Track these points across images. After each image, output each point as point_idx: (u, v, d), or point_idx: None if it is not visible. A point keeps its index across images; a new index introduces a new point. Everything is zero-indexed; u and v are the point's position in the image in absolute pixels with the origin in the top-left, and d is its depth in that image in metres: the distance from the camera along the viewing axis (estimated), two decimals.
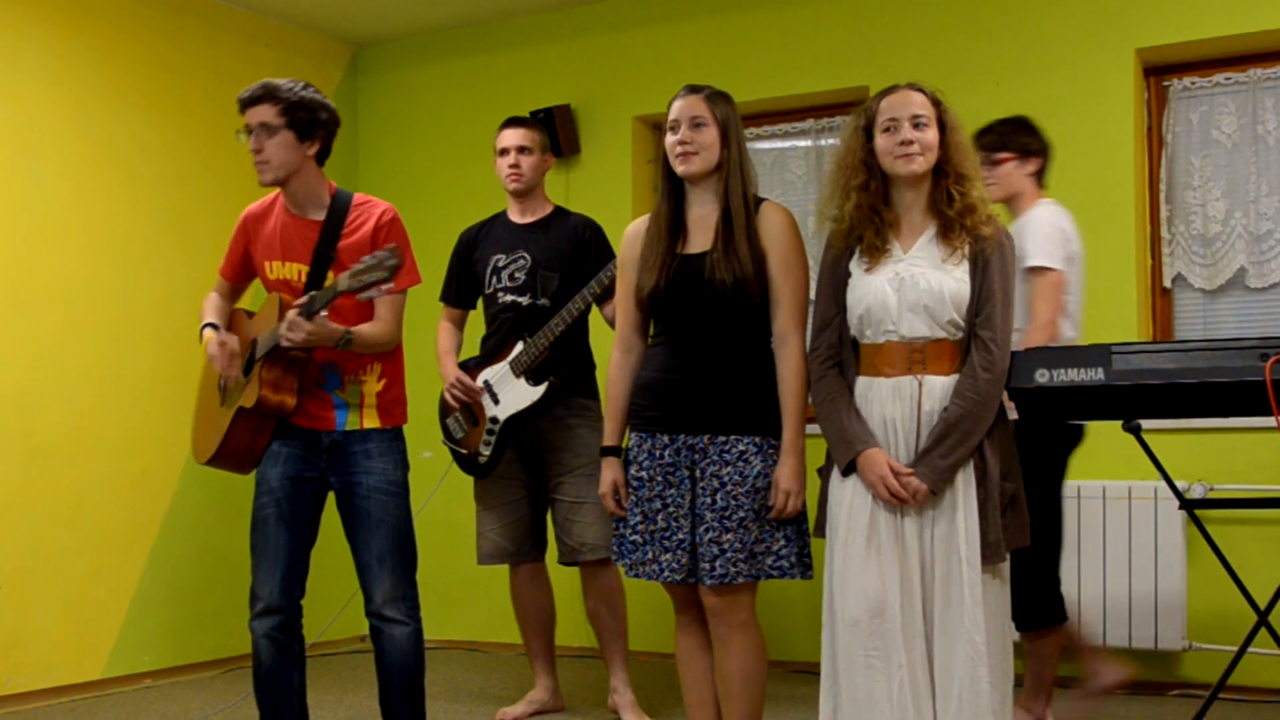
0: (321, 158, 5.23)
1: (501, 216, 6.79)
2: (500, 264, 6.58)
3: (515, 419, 6.41)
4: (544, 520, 6.72)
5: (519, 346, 6.40)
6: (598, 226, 6.61)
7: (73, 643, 7.30)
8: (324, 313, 4.91)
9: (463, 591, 8.19)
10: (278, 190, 5.31)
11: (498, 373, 6.47)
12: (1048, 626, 5.70)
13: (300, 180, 5.17)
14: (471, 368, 6.60)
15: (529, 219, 6.65)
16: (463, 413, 6.60)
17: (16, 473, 7.06)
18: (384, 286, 4.77)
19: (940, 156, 4.61)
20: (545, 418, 6.42)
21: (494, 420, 6.46)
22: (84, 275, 7.20)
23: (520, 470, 6.57)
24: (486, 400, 6.49)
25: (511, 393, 6.41)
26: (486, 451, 6.51)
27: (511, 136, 6.63)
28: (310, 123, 5.11)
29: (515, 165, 6.58)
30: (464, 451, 6.62)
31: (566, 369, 6.45)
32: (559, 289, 6.38)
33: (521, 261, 6.52)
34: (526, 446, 6.52)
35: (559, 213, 6.74)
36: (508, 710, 6.61)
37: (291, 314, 4.85)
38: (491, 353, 6.58)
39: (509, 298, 6.52)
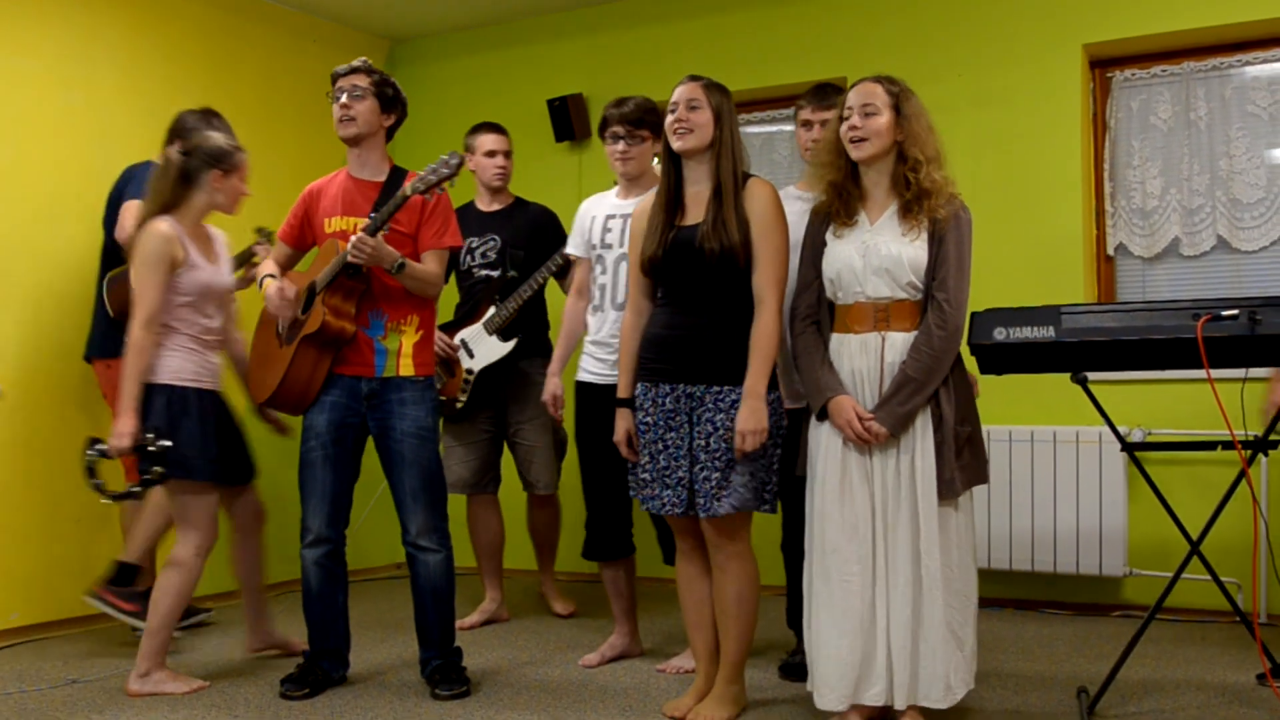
0: (389, 134, 5.59)
1: (470, 206, 7.08)
2: (474, 245, 6.92)
3: (487, 370, 6.76)
4: (500, 460, 7.14)
5: (491, 310, 6.73)
6: (553, 214, 7.01)
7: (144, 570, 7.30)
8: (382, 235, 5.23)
9: None
10: (338, 170, 5.61)
11: (472, 333, 6.82)
12: (618, 558, 6.06)
13: (371, 144, 5.52)
14: (448, 329, 6.86)
15: (495, 208, 6.98)
16: (440, 366, 6.80)
17: (93, 419, 7.06)
18: (447, 183, 5.20)
19: (899, 142, 4.66)
20: (512, 372, 6.75)
21: (469, 372, 6.80)
22: None
23: (487, 415, 6.97)
24: (463, 355, 6.81)
25: (484, 348, 6.76)
26: (463, 398, 6.84)
27: (495, 141, 7.03)
28: (392, 99, 5.55)
29: (502, 166, 6.99)
30: (443, 398, 6.81)
31: (531, 330, 6.87)
32: (523, 264, 6.73)
33: (492, 242, 6.90)
34: (494, 395, 6.88)
35: (520, 202, 7.15)
36: (462, 620, 6.71)
37: (357, 234, 5.13)
38: (465, 317, 6.92)
39: (483, 272, 6.90)
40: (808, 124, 5.66)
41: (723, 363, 4.81)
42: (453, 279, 6.97)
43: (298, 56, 8.50)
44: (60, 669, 5.95)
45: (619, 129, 5.88)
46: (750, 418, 4.68)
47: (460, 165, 5.21)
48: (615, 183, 6.07)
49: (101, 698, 5.43)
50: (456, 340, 6.81)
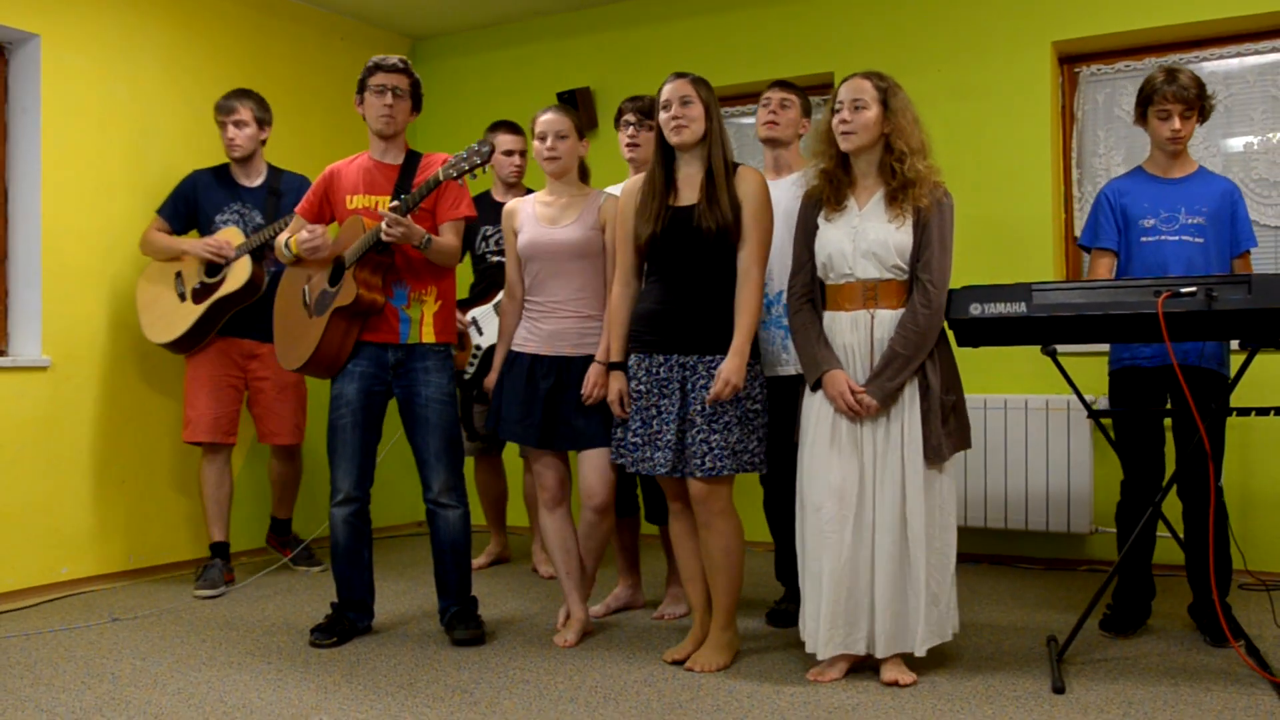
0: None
1: (486, 195, 7.08)
2: (488, 233, 6.94)
3: (494, 347, 6.58)
4: None
5: (500, 294, 6.58)
6: None
7: (183, 527, 7.32)
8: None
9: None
10: (358, 154, 5.65)
11: (483, 312, 6.82)
12: (626, 516, 6.13)
13: (399, 136, 5.55)
14: (462, 306, 6.85)
15: (511, 199, 6.76)
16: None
17: (137, 387, 7.07)
18: (478, 170, 5.18)
19: (886, 134, 4.66)
20: None
21: (478, 347, 6.80)
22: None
23: None
24: (473, 331, 6.80)
25: (492, 327, 6.71)
26: (471, 369, 6.83)
27: (512, 141, 6.99)
28: (419, 101, 5.64)
29: (518, 165, 6.98)
30: (454, 369, 6.78)
31: None
32: None
33: None
34: None
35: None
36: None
37: (390, 213, 5.14)
38: (478, 297, 6.93)
39: (495, 259, 6.89)
40: (766, 102, 5.67)
41: (714, 334, 4.84)
42: (468, 260, 6.98)
43: (325, 53, 8.48)
44: (105, 621, 5.96)
45: (631, 116, 5.87)
46: (735, 372, 4.73)
47: (491, 154, 5.17)
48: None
49: (145, 644, 5.45)
50: (469, 317, 6.82)
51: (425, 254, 5.29)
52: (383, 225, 5.12)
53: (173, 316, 6.75)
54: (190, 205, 6.90)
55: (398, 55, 5.56)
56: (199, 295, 6.68)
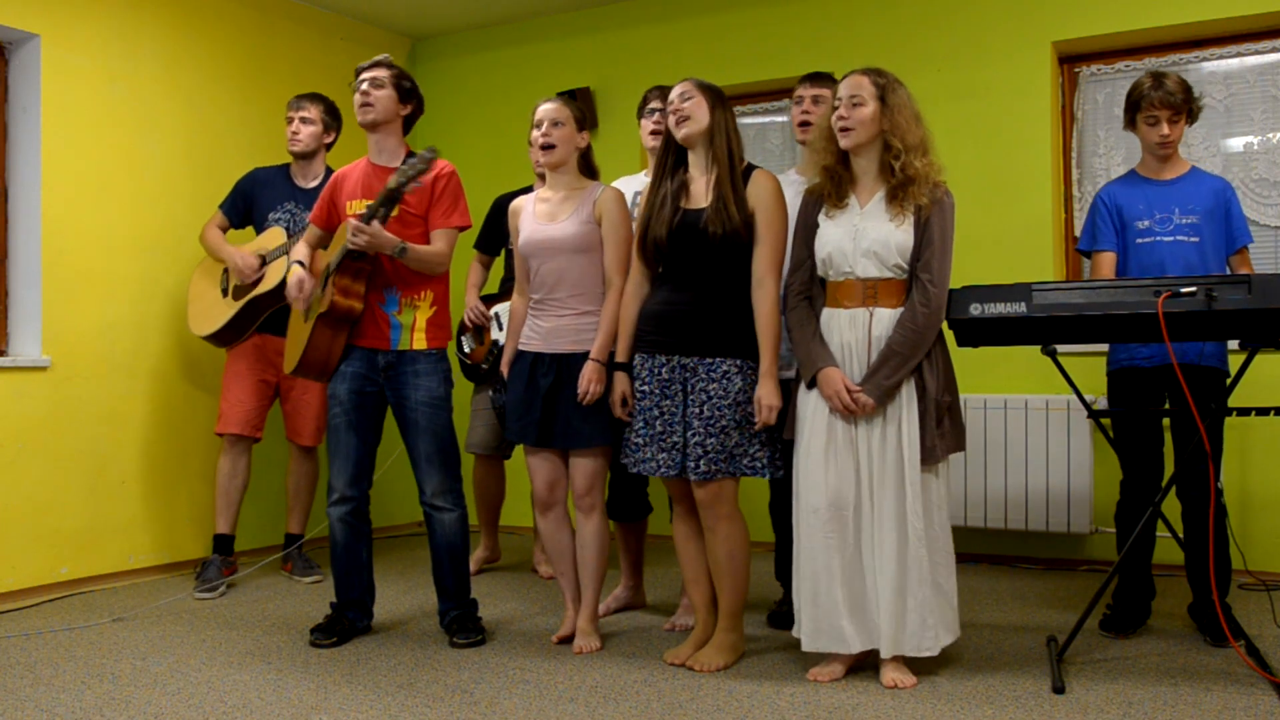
0: (407, 125, 5.60)
1: (530, 190, 6.80)
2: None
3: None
4: None
5: None
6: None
7: (183, 527, 7.32)
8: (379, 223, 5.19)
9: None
10: (362, 158, 5.61)
11: (506, 308, 6.70)
12: (637, 519, 6.13)
13: (388, 131, 5.51)
14: (489, 300, 6.86)
15: None
16: (474, 333, 6.86)
17: (136, 387, 7.08)
18: (423, 177, 5.13)
19: (884, 131, 4.65)
20: None
21: (495, 343, 6.77)
22: (189, 225, 7.20)
23: None
24: (494, 326, 6.78)
25: None
26: (485, 366, 6.80)
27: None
28: (409, 91, 5.56)
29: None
30: (469, 362, 6.89)
31: None
32: None
33: None
34: None
35: None
36: None
37: (353, 221, 5.13)
38: (505, 293, 6.81)
39: None
40: (799, 100, 5.63)
41: (716, 337, 4.81)
42: (501, 254, 7.02)
43: (325, 53, 8.49)
44: (105, 620, 5.95)
45: (658, 103, 5.81)
46: (773, 394, 4.74)
47: (433, 159, 5.09)
48: (644, 166, 6.05)
49: (145, 644, 5.44)
50: (492, 311, 6.81)
51: (404, 262, 5.27)
52: (347, 235, 5.14)
53: (212, 311, 6.90)
54: (247, 201, 7.02)
55: (381, 54, 5.59)
56: (238, 293, 6.80)
